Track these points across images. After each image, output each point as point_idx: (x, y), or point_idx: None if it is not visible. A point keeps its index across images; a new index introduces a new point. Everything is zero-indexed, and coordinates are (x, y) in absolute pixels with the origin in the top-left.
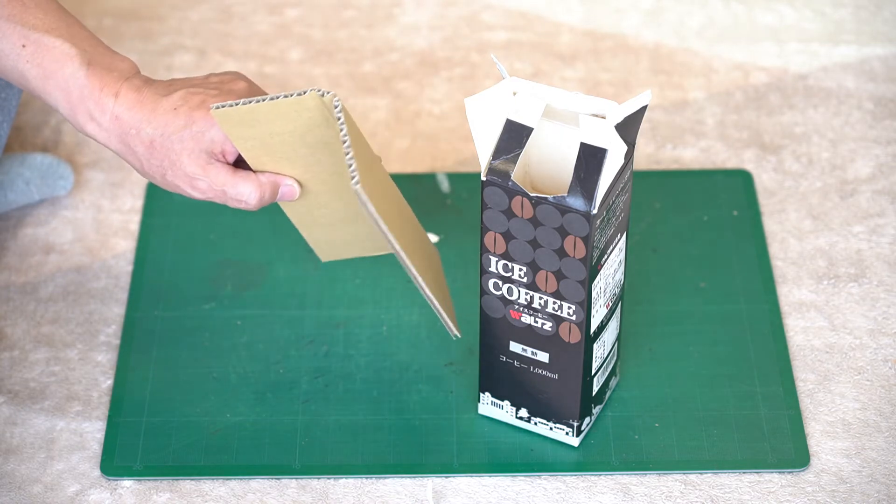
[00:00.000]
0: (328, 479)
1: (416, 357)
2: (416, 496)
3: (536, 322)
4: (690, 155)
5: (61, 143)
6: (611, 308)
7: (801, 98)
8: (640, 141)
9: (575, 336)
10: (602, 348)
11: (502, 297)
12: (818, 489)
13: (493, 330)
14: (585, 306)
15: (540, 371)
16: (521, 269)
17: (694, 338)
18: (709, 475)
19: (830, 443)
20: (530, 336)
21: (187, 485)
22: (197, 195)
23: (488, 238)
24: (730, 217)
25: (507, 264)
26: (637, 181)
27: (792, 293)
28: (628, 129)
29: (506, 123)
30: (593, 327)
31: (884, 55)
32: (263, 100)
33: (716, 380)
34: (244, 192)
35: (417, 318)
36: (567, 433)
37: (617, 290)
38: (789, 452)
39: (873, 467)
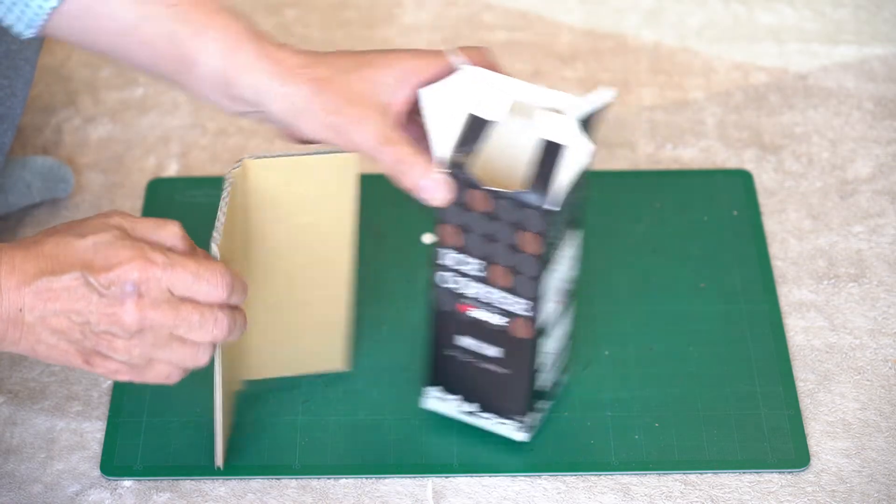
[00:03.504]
0: (328, 479)
1: (417, 357)
2: (416, 496)
3: (486, 316)
4: (690, 155)
5: (62, 143)
6: (563, 304)
7: (801, 98)
8: (641, 141)
9: (525, 332)
10: (552, 344)
11: (454, 291)
12: (818, 489)
13: (442, 324)
14: (537, 302)
15: (488, 366)
16: (474, 263)
17: (694, 338)
18: (709, 475)
19: (830, 443)
20: (480, 330)
21: (187, 485)
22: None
23: (443, 231)
24: (730, 217)
25: (460, 258)
26: (637, 181)
27: (792, 293)
28: (590, 125)
29: (467, 117)
30: (544, 323)
31: (884, 55)
32: (295, 155)
33: (716, 380)
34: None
35: (418, 318)
36: (514, 428)
37: (569, 287)
38: (789, 452)
39: (873, 467)
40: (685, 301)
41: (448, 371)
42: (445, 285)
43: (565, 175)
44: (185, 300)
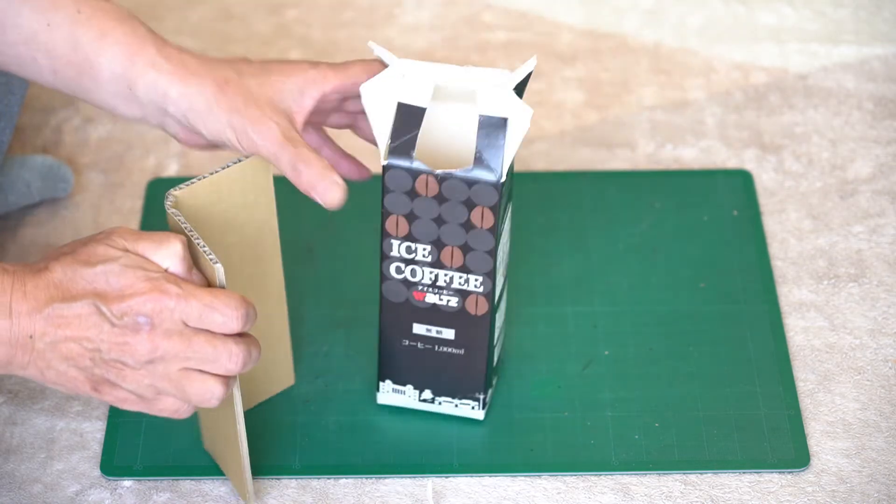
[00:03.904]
0: (328, 479)
1: None
2: (416, 496)
3: (441, 300)
4: (690, 155)
5: (62, 143)
6: (505, 276)
7: (801, 98)
8: (641, 141)
9: (482, 308)
10: (500, 318)
11: (405, 280)
12: (818, 489)
13: (394, 316)
14: (492, 276)
15: (445, 349)
16: (424, 249)
17: (694, 338)
18: (709, 475)
19: (830, 443)
20: (435, 315)
21: (187, 485)
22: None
23: (390, 222)
24: (730, 217)
25: (410, 246)
26: (637, 181)
27: (792, 293)
28: (521, 93)
29: (398, 106)
30: (496, 297)
31: (884, 55)
32: (209, 175)
33: (716, 380)
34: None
35: None
36: (473, 408)
37: (508, 259)
38: (789, 452)
39: (873, 467)
40: (685, 301)
41: (404, 362)
42: (398, 276)
43: (511, 145)
44: (199, 332)
